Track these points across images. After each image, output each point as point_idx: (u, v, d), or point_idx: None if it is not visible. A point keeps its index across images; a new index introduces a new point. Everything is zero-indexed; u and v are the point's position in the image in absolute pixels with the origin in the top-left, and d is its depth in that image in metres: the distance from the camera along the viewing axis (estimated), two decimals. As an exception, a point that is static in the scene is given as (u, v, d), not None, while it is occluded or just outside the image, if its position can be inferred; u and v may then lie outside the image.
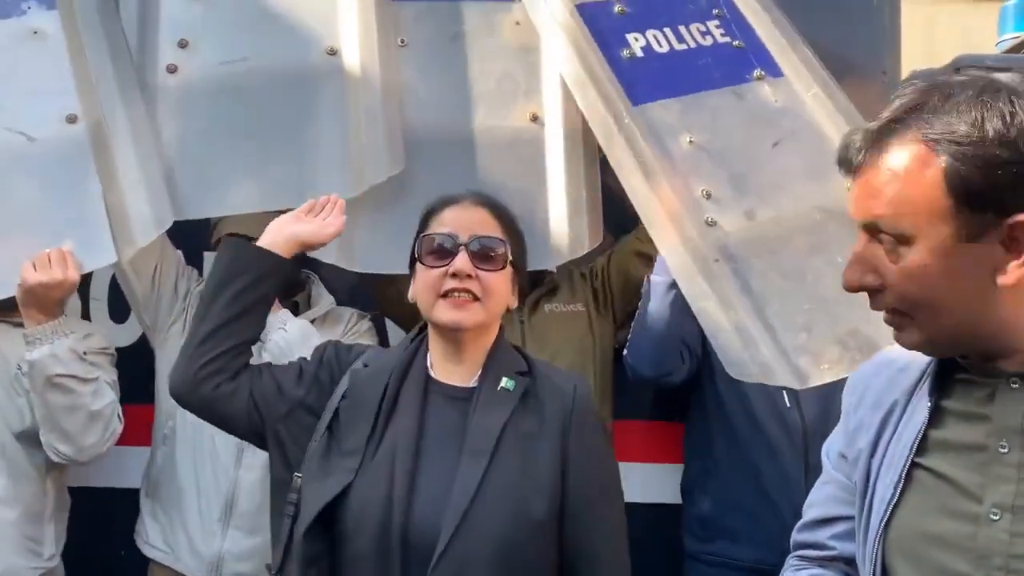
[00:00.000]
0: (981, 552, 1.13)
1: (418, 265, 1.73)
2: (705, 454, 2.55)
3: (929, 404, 1.20)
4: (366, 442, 1.63)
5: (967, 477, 1.16)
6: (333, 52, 2.32)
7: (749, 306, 2.06)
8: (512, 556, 1.58)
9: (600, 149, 2.38)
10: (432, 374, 1.72)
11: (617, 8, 2.43)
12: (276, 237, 1.83)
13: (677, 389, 2.58)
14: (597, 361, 2.52)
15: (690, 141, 2.27)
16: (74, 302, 2.51)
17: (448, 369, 1.72)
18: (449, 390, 1.70)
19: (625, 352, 2.47)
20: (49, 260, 2.10)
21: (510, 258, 1.73)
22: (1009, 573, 1.11)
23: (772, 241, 2.18)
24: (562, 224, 2.39)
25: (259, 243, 1.82)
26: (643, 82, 2.33)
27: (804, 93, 2.39)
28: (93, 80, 2.24)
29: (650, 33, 2.41)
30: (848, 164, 1.15)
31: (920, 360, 1.25)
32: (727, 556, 2.46)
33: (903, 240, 1.11)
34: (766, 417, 2.42)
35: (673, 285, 2.28)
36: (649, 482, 2.70)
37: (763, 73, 2.42)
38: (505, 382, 1.69)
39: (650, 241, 2.51)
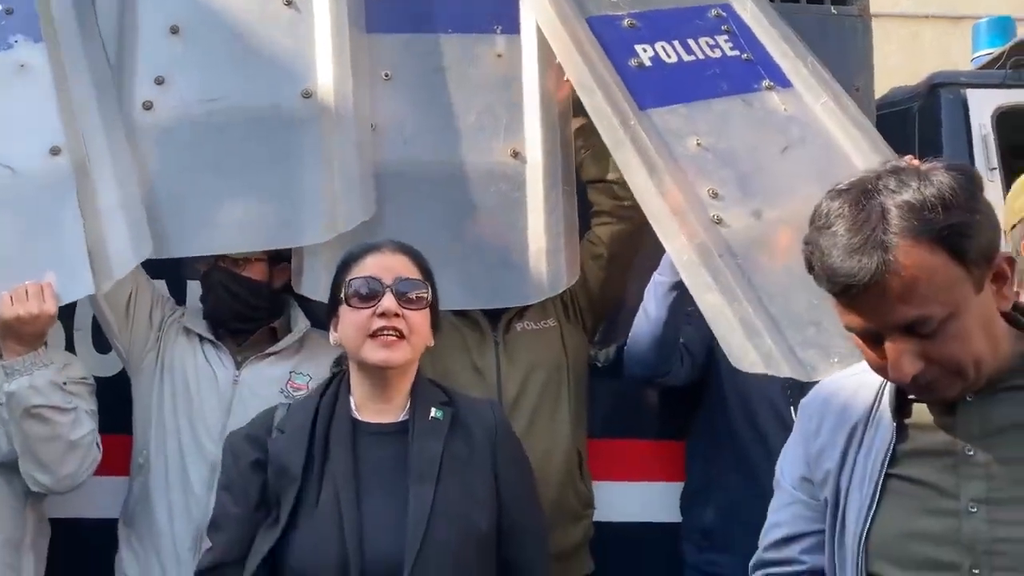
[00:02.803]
0: (967, 542, 1.30)
1: (343, 307, 1.82)
2: (708, 466, 2.55)
3: (893, 423, 1.38)
4: (299, 492, 1.71)
5: (941, 479, 1.33)
6: (308, 95, 2.33)
7: (754, 300, 2.06)
8: (466, 569, 1.72)
9: (577, 184, 2.39)
10: (358, 416, 1.81)
11: (627, 22, 2.45)
12: None
13: (677, 402, 2.60)
14: (571, 376, 2.52)
15: (697, 143, 2.28)
16: (57, 332, 2.51)
17: (375, 408, 1.82)
18: (378, 428, 1.81)
19: (624, 350, 2.48)
20: (26, 293, 2.11)
21: (430, 300, 1.84)
22: (994, 556, 1.29)
23: (779, 241, 2.18)
24: (541, 260, 2.40)
25: None
26: (650, 89, 2.34)
27: (814, 103, 2.40)
28: (76, 112, 2.25)
29: (659, 45, 2.43)
30: (851, 289, 1.26)
31: (868, 385, 1.43)
32: (729, 567, 2.43)
33: (947, 319, 1.25)
34: (771, 429, 2.40)
35: (675, 287, 2.29)
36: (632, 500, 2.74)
37: (772, 83, 2.43)
38: (435, 412, 1.83)
39: (602, 241, 2.55)
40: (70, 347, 2.65)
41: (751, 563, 1.59)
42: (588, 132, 2.58)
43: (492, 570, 1.81)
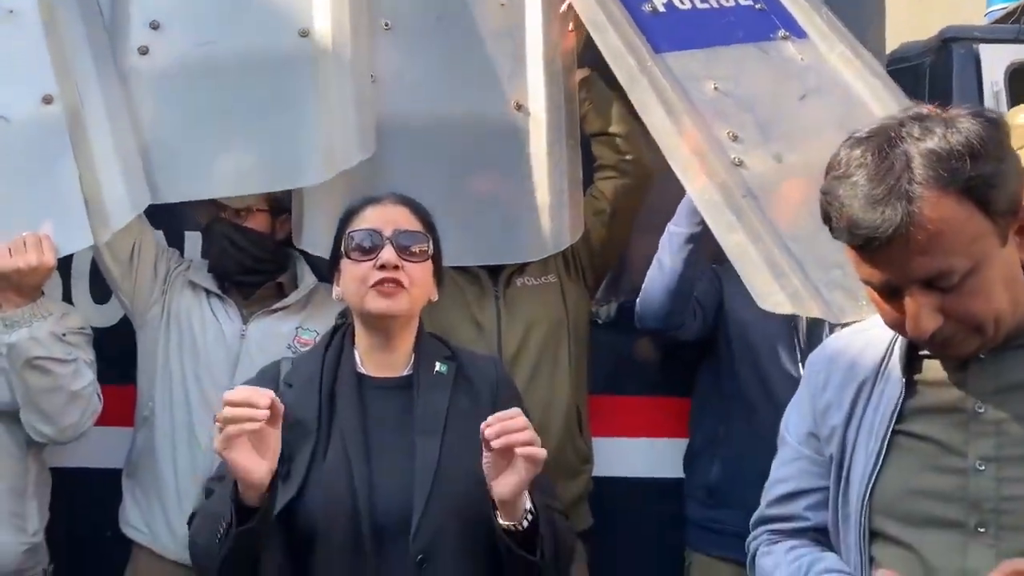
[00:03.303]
0: (973, 500, 1.28)
1: (344, 261, 1.81)
2: (715, 423, 2.55)
3: (903, 378, 1.35)
4: (312, 450, 1.70)
5: (949, 436, 1.31)
6: (305, 34, 2.28)
7: (778, 241, 2.02)
8: (474, 520, 1.69)
9: (582, 138, 2.35)
10: (363, 370, 1.81)
11: None
12: None
13: (680, 358, 2.60)
14: (571, 332, 2.51)
15: (715, 88, 2.25)
16: (55, 282, 2.50)
17: (379, 360, 1.82)
18: (383, 382, 1.81)
19: (637, 302, 2.47)
20: (24, 244, 2.09)
21: (431, 252, 1.82)
22: (1001, 514, 1.27)
23: (801, 184, 2.13)
24: (544, 216, 2.38)
25: None
26: (665, 34, 2.31)
27: (830, 53, 2.36)
28: (69, 59, 2.21)
29: None
30: (873, 241, 1.21)
31: (877, 341, 1.40)
32: (734, 524, 2.44)
33: (970, 273, 1.21)
34: (779, 386, 2.39)
35: (691, 239, 2.28)
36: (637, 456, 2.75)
37: (787, 33, 2.39)
38: (439, 367, 1.83)
39: (605, 196, 2.52)
40: (67, 297, 2.64)
41: (753, 519, 1.58)
42: (592, 84, 2.54)
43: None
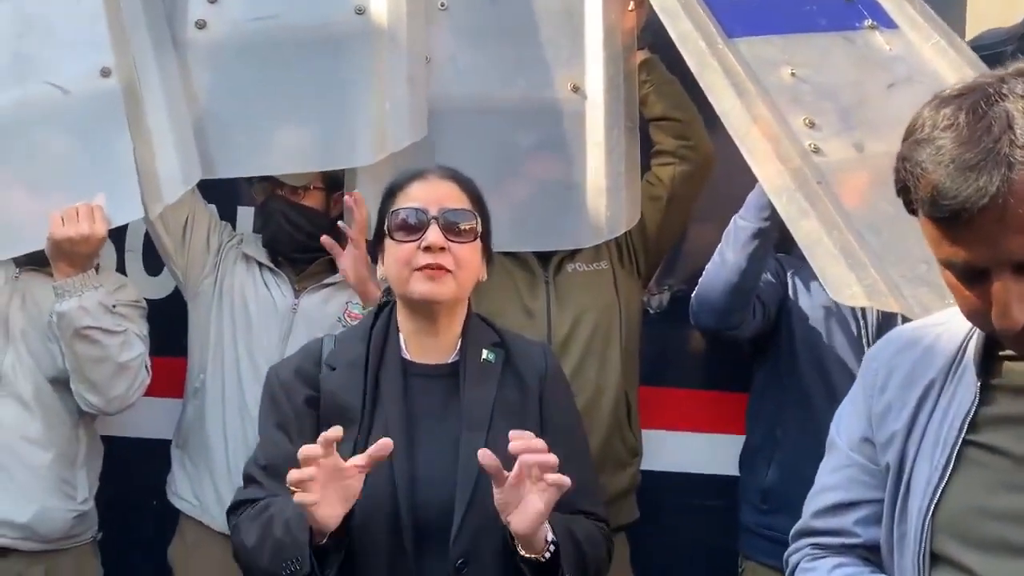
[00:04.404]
0: None
1: (387, 240, 1.71)
2: (773, 423, 2.44)
3: (978, 382, 1.18)
4: (354, 443, 1.62)
5: None
6: (361, 11, 2.27)
7: (855, 231, 1.90)
8: None
9: (640, 119, 2.29)
10: (407, 355, 1.72)
11: None
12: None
13: (737, 353, 2.51)
14: (623, 321, 2.45)
15: (791, 73, 2.14)
16: (109, 254, 2.52)
17: (424, 345, 1.72)
18: (428, 369, 1.72)
19: (693, 296, 2.39)
20: (77, 214, 2.11)
21: (480, 230, 1.72)
22: None
23: (884, 174, 2.04)
24: (600, 202, 2.33)
25: None
26: (740, 18, 2.21)
27: (922, 43, 2.23)
28: (126, 33, 2.22)
29: None
30: (961, 214, 1.04)
31: (949, 338, 1.23)
32: (788, 532, 2.37)
33: None
34: (843, 387, 2.26)
35: (758, 234, 2.19)
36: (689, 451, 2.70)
37: (875, 23, 2.27)
38: (486, 354, 1.73)
39: (661, 182, 2.44)
40: (121, 269, 2.67)
41: (795, 529, 1.43)
42: (652, 67, 2.47)
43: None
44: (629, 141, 2.36)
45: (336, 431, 1.48)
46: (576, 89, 2.34)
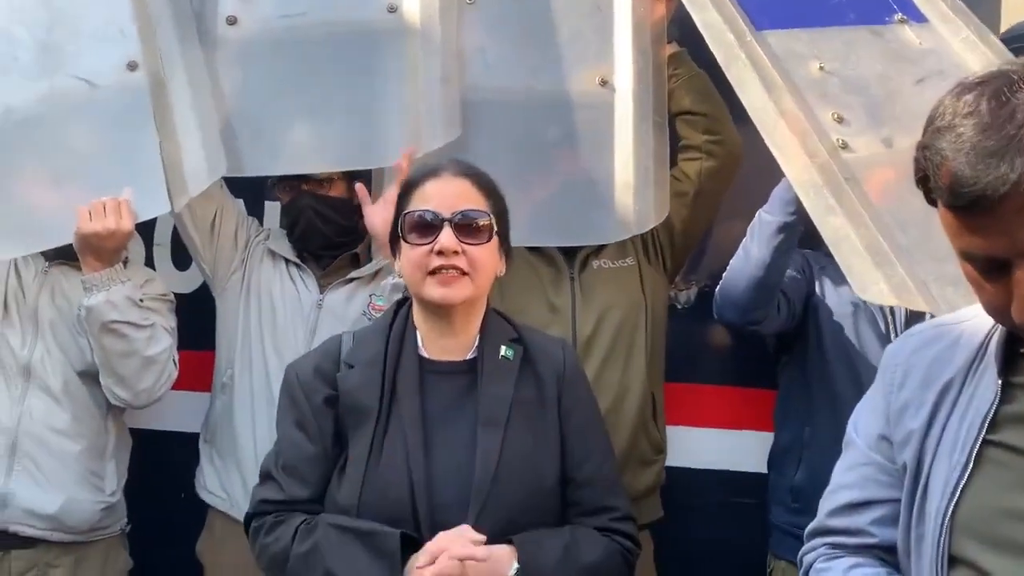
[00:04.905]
0: None
1: (402, 242, 1.71)
2: (802, 422, 2.41)
3: (999, 379, 1.15)
4: (371, 442, 1.64)
5: None
6: (394, 9, 2.25)
7: (884, 227, 1.87)
8: (532, 517, 1.65)
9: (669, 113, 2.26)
10: (425, 354, 1.73)
11: None
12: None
13: (763, 349, 2.49)
14: (649, 318, 2.42)
15: (820, 67, 2.10)
16: (138, 248, 2.54)
17: (441, 345, 1.73)
18: (445, 367, 1.72)
19: (716, 291, 2.36)
20: (104, 209, 2.12)
21: (495, 228, 1.71)
22: None
23: (912, 169, 2.01)
24: (627, 197, 2.29)
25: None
26: (768, 11, 2.17)
27: (953, 38, 2.19)
28: (153, 27, 2.22)
29: None
30: (981, 202, 1.01)
31: (970, 335, 1.20)
32: None
33: None
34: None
35: (783, 228, 2.16)
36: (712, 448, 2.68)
37: (905, 17, 2.22)
38: (504, 351, 1.73)
39: (688, 178, 2.41)
40: (149, 263, 2.68)
41: (810, 528, 1.39)
42: (681, 61, 2.43)
43: (558, 517, 1.73)
44: (658, 136, 2.33)
45: None
46: (604, 83, 2.31)
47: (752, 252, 2.23)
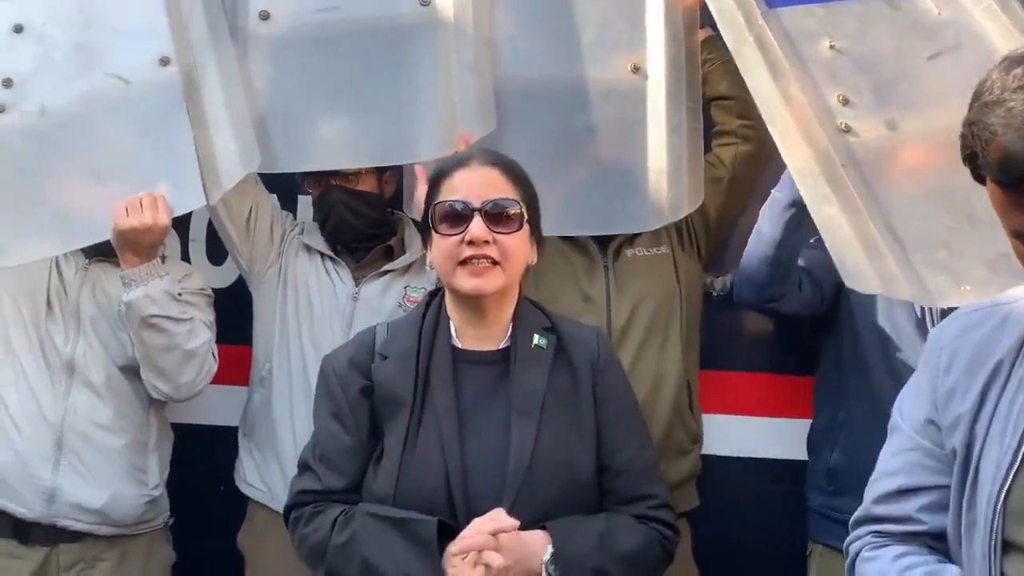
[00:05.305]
0: None
1: (433, 233, 1.72)
2: (838, 406, 2.40)
3: None
4: (405, 433, 1.66)
5: None
6: (426, 3, 2.25)
7: (878, 216, 1.89)
8: (567, 506, 1.66)
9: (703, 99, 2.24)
10: (458, 344, 1.74)
11: None
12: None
13: (799, 334, 2.48)
14: (684, 307, 2.41)
15: (831, 46, 2.09)
16: (173, 243, 2.56)
17: (474, 334, 1.74)
18: (478, 356, 1.73)
19: (735, 272, 2.39)
20: (140, 204, 2.13)
21: (526, 217, 1.71)
22: None
23: (915, 155, 1.99)
24: (662, 184, 2.28)
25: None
26: None
27: (974, 7, 2.12)
28: (185, 22, 2.23)
29: None
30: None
31: (1018, 317, 1.19)
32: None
33: None
34: (906, 368, 2.21)
35: (792, 204, 2.15)
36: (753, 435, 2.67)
37: None
38: (537, 339, 1.73)
39: (723, 163, 2.41)
40: (185, 258, 2.71)
41: (855, 516, 1.37)
42: (714, 45, 2.41)
43: (594, 507, 1.73)
44: (691, 122, 2.31)
45: None
46: (636, 69, 2.29)
47: (764, 231, 2.25)
